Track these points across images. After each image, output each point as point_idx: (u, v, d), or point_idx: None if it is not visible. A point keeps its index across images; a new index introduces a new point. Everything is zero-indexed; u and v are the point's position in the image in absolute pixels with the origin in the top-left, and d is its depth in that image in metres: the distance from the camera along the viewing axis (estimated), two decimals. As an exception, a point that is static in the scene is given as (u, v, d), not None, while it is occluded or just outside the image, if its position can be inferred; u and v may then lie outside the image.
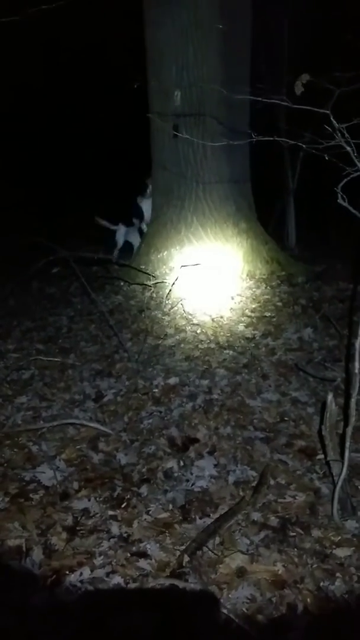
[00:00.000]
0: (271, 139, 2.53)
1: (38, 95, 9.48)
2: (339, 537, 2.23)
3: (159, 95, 5.15)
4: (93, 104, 9.55)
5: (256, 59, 5.63)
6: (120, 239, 6.60)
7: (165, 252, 5.35)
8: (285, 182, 7.47)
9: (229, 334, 4.21)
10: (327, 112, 2.23)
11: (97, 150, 9.88)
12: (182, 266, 5.00)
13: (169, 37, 4.91)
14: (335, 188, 2.15)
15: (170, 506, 2.45)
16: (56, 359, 3.94)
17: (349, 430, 2.24)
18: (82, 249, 5.31)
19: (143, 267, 5.33)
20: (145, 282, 5.05)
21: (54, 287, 5.74)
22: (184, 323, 4.42)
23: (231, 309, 4.65)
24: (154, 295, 4.93)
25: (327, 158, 2.33)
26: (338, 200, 2.17)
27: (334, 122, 2.20)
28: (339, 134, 2.20)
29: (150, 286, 4.98)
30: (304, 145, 2.52)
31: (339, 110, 2.32)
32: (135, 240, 6.51)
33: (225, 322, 4.41)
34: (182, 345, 4.08)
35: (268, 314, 4.54)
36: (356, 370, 2.18)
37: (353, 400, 2.22)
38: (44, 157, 9.95)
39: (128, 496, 2.52)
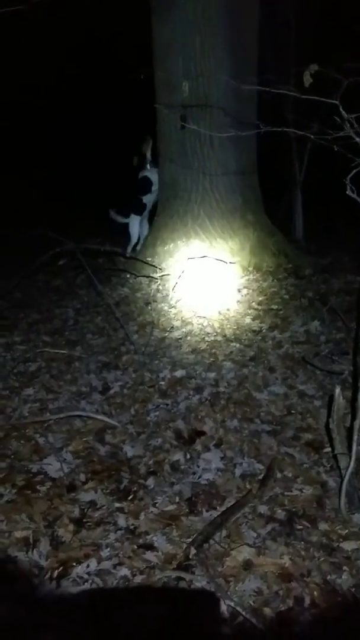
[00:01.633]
0: (279, 129, 2.51)
1: (41, 88, 9.43)
2: (346, 531, 2.23)
3: (166, 86, 5.11)
4: (98, 96, 9.50)
5: (263, 49, 5.57)
6: (135, 233, 6.15)
7: (172, 245, 5.33)
8: (293, 173, 7.42)
9: (235, 327, 4.20)
10: (336, 102, 2.20)
11: (102, 141, 9.83)
12: (188, 258, 4.99)
13: (176, 27, 4.87)
14: (344, 179, 2.13)
15: (177, 499, 2.45)
16: (63, 351, 3.95)
17: (357, 423, 2.23)
18: (87, 241, 5.30)
19: (149, 259, 5.31)
20: (152, 275, 5.03)
21: (60, 280, 5.74)
22: (190, 316, 4.41)
23: (238, 301, 4.63)
24: (161, 287, 4.92)
25: (336, 149, 2.30)
26: (347, 192, 2.15)
27: (343, 112, 2.17)
28: (348, 125, 2.18)
29: (157, 278, 4.96)
30: (312, 136, 2.49)
31: (347, 101, 2.29)
32: (145, 230, 6.21)
33: (231, 315, 4.40)
34: (188, 337, 4.08)
35: (275, 307, 4.52)
36: (364, 364, 2.17)
37: (361, 394, 2.21)
38: (48, 149, 9.92)
39: (135, 488, 2.52)
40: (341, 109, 2.18)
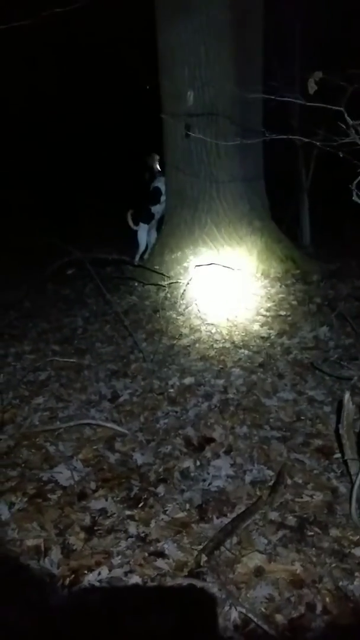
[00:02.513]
0: (284, 137, 2.53)
1: (46, 97, 9.53)
2: (357, 537, 2.22)
3: (172, 95, 5.15)
4: (103, 104, 9.59)
5: (268, 56, 5.60)
6: (143, 241, 6.25)
7: (179, 253, 5.35)
8: (299, 179, 7.44)
9: (244, 333, 4.20)
10: (341, 109, 2.22)
11: (107, 149, 9.91)
12: (196, 266, 5.00)
13: (181, 36, 4.91)
14: (349, 185, 2.14)
15: (187, 506, 2.45)
16: (72, 360, 3.97)
17: (367, 429, 2.23)
18: (95, 250, 5.34)
19: (157, 267, 5.34)
20: (160, 283, 5.05)
21: (69, 289, 5.77)
22: (198, 323, 4.42)
23: (246, 308, 4.64)
24: (169, 295, 4.94)
25: (341, 155, 2.31)
26: (353, 198, 2.17)
27: (348, 119, 2.19)
28: (353, 131, 2.19)
29: (165, 286, 4.98)
30: (318, 143, 2.50)
31: (352, 108, 2.31)
32: (153, 238, 6.30)
33: (240, 322, 4.40)
34: (197, 345, 4.08)
35: (283, 313, 4.52)
36: (373, 369, 2.17)
37: (370, 399, 2.20)
38: (53, 158, 10.01)
39: (145, 496, 2.53)
40: (346, 116, 2.20)
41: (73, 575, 2.09)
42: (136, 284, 5.37)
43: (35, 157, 9.73)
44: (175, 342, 4.16)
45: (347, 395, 2.35)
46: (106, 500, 2.50)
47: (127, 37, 8.13)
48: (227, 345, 4.04)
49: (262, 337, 4.14)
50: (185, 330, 4.33)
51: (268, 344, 4.03)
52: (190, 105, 4.81)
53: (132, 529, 2.32)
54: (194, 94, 4.85)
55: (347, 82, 2.95)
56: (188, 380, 3.57)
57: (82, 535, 2.29)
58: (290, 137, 2.55)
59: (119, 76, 8.95)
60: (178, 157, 5.31)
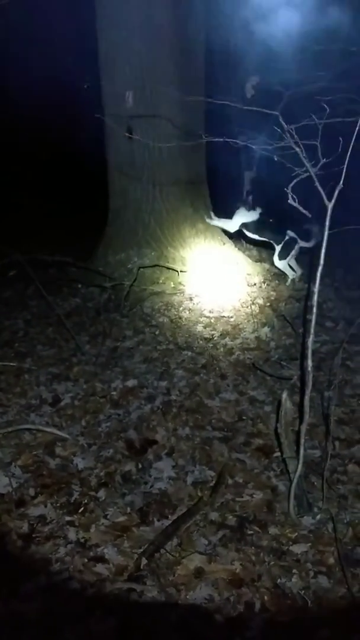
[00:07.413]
0: (221, 139, 2.55)
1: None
2: (296, 534, 2.26)
3: (113, 96, 5.10)
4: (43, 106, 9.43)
5: (210, 60, 5.64)
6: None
7: (123, 254, 5.32)
8: (243, 183, 7.51)
9: (187, 335, 4.21)
10: (276, 113, 2.26)
11: (49, 151, 9.73)
12: (140, 268, 4.98)
13: (122, 37, 4.87)
14: (285, 189, 2.18)
15: (129, 509, 2.44)
16: (12, 364, 3.87)
17: (304, 427, 2.27)
18: (38, 251, 5.22)
19: (101, 269, 5.28)
20: (103, 284, 5.00)
21: (10, 291, 5.62)
22: (142, 324, 4.41)
23: (189, 309, 4.65)
24: (112, 297, 4.89)
25: (275, 159, 2.35)
26: (288, 201, 2.20)
27: (283, 123, 2.23)
28: (288, 135, 2.23)
29: (108, 288, 4.93)
30: (254, 147, 2.54)
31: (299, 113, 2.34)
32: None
33: (183, 323, 4.41)
34: (140, 347, 4.06)
35: (226, 314, 4.56)
36: (309, 368, 2.21)
37: (307, 398, 2.24)
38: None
39: (85, 501, 2.49)
40: (281, 120, 2.23)
41: (10, 585, 2.04)
42: (79, 285, 5.30)
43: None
44: (118, 344, 4.12)
45: (284, 395, 2.39)
46: (45, 506, 2.46)
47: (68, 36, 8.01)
48: (171, 347, 4.04)
49: (206, 339, 4.16)
50: (128, 332, 4.30)
51: (211, 345, 4.05)
52: (129, 107, 4.77)
53: (72, 534, 2.29)
54: (135, 95, 4.82)
55: (284, 87, 3.01)
56: (131, 383, 3.55)
57: (19, 543, 2.24)
58: (226, 139, 2.57)
59: (60, 74, 8.81)
60: (120, 159, 5.26)
